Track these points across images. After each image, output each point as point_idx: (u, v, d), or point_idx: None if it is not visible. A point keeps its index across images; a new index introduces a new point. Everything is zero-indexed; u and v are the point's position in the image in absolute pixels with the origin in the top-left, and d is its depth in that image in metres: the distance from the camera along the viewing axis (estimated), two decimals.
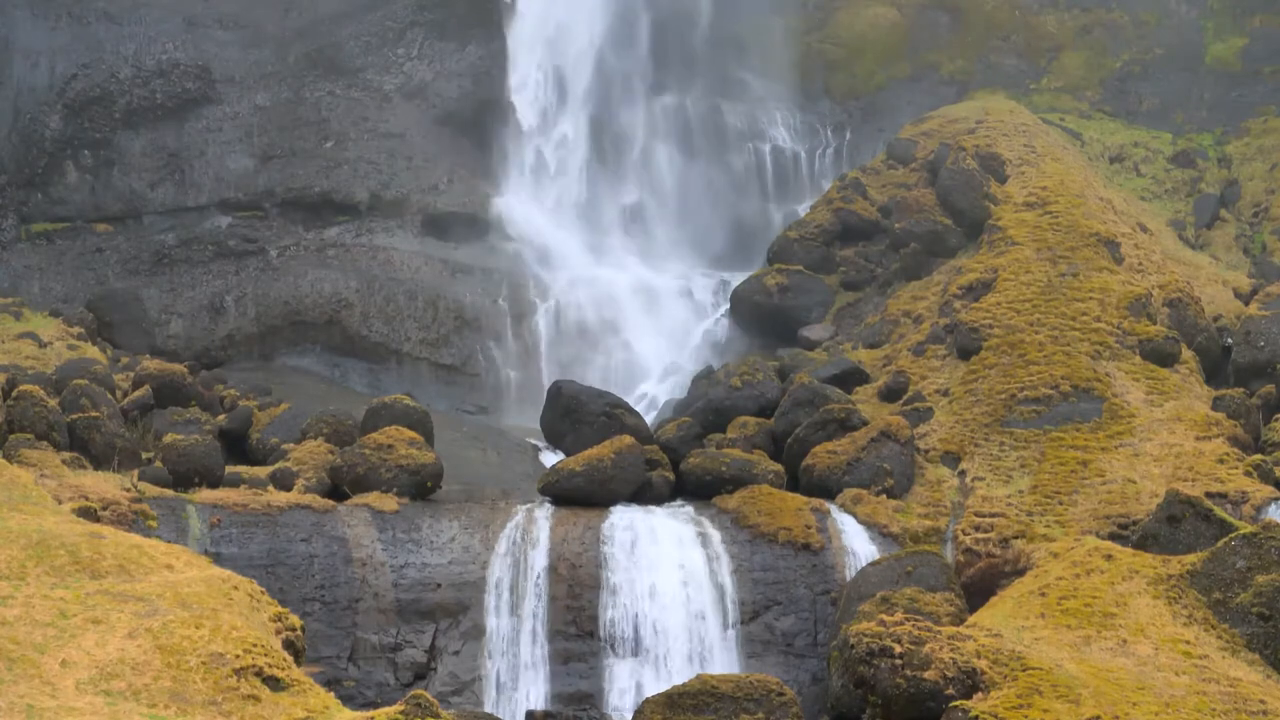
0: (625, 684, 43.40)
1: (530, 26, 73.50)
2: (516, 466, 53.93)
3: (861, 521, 46.62)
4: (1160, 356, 52.94)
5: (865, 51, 77.41)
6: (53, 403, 46.45)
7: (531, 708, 43.20)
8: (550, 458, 53.41)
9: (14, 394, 46.10)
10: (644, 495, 47.81)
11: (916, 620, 37.52)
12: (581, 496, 46.84)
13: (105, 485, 43.49)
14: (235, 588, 35.09)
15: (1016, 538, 45.70)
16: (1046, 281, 55.64)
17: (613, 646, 43.87)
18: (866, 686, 36.30)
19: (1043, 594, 40.34)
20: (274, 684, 31.44)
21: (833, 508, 47.05)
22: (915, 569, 43.33)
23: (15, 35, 66.47)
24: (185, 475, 45.42)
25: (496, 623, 44.10)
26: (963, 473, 49.16)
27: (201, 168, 66.95)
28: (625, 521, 45.80)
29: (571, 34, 74.47)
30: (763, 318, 62.55)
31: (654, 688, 41.67)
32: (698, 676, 38.08)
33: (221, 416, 51.57)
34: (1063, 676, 35.81)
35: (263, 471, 47.19)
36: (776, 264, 63.76)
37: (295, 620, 35.79)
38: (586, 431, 50.78)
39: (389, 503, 45.78)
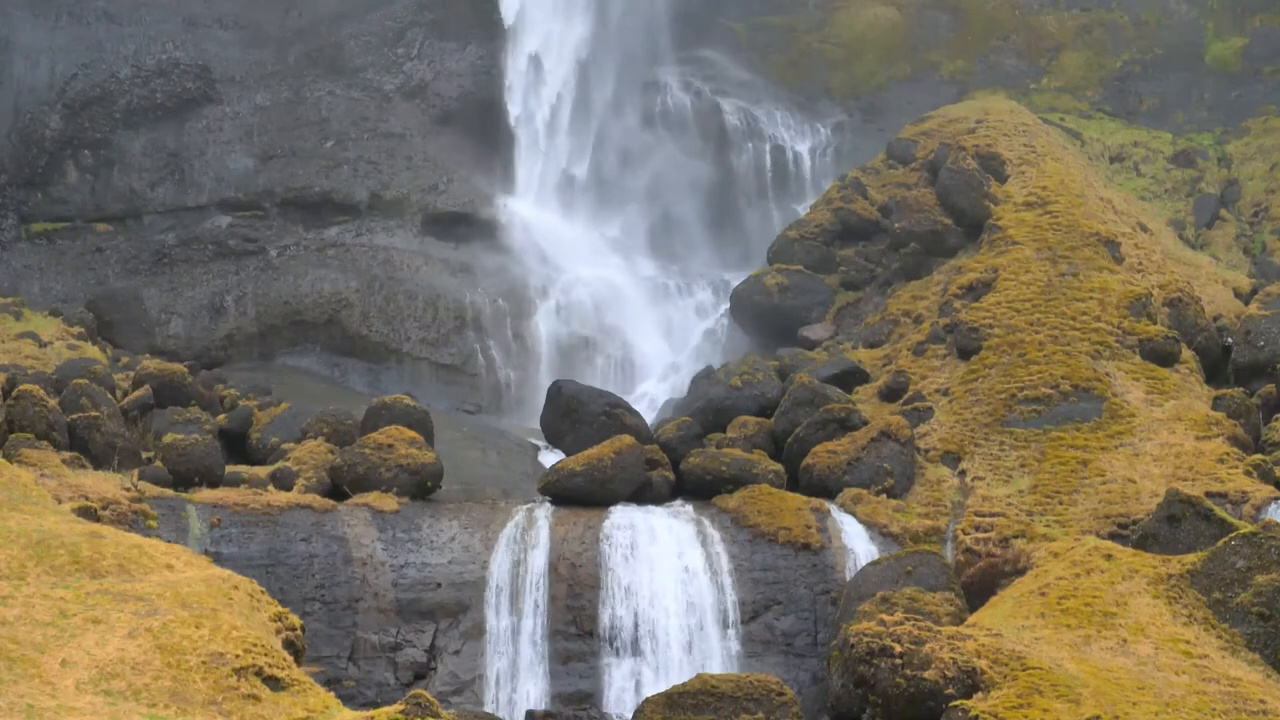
0: (625, 684, 43.36)
1: (526, 26, 73.44)
2: (516, 466, 53.91)
3: (861, 521, 46.57)
4: (1160, 356, 52.90)
5: (865, 51, 77.42)
6: (53, 403, 46.42)
7: (531, 707, 43.17)
8: (550, 457, 53.37)
9: (14, 394, 46.08)
10: (644, 495, 47.77)
11: (916, 620, 37.51)
12: (581, 496, 46.82)
13: (105, 485, 43.46)
14: (235, 587, 35.06)
15: (1016, 537, 45.66)
16: (1046, 281, 55.59)
17: (612, 646, 43.84)
18: (866, 686, 36.30)
19: (1043, 594, 40.32)
20: (274, 684, 31.43)
21: (833, 507, 47.01)
22: (915, 569, 43.30)
23: (15, 35, 66.55)
24: (185, 475, 45.41)
25: (496, 622, 44.07)
26: (963, 472, 49.13)
27: (201, 167, 67.00)
28: (625, 521, 45.76)
29: (570, 33, 74.40)
30: (763, 318, 62.47)
31: (653, 687, 41.65)
32: (698, 676, 38.03)
33: (221, 416, 51.55)
34: (1063, 676, 35.80)
35: (263, 471, 47.18)
36: (776, 264, 63.70)
37: (295, 620, 35.76)
38: (586, 431, 50.70)
39: (389, 502, 45.75)
